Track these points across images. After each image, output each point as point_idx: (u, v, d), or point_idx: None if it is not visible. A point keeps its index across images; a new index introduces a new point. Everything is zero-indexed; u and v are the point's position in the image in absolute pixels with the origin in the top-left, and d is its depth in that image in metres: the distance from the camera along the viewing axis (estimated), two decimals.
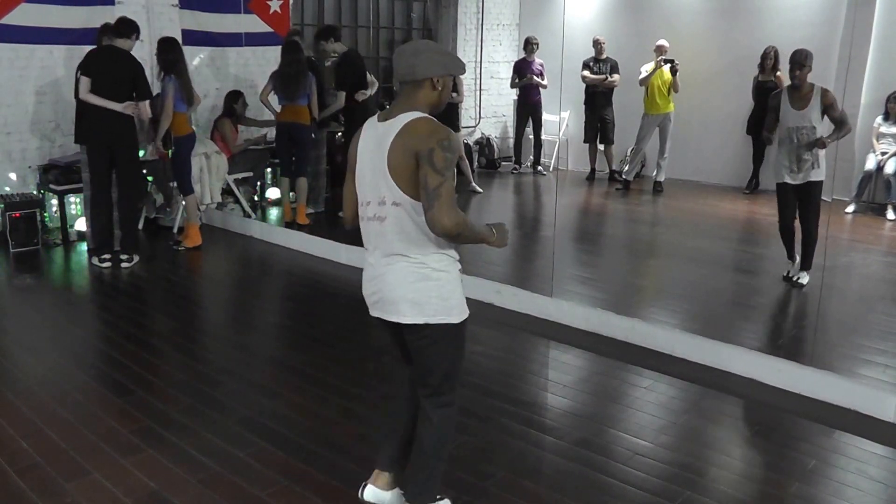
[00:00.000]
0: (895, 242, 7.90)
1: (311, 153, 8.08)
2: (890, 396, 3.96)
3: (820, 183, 5.88)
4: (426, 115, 2.68)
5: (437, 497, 2.95)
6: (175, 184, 7.39)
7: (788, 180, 5.94)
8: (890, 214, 8.47)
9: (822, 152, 5.80)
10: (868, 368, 4.60)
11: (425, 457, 2.88)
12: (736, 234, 8.37)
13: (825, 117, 5.74)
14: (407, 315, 2.74)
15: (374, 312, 2.89)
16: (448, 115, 9.49)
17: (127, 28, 6.35)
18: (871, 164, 8.73)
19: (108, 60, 6.21)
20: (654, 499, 3.22)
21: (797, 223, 6.07)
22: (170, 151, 6.96)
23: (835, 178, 7.02)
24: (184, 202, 7.22)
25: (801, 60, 5.72)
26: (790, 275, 6.16)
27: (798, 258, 6.10)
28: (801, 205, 5.97)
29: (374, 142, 2.69)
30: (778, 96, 5.98)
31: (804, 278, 6.00)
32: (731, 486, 3.33)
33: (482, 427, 3.82)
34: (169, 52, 6.65)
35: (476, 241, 2.81)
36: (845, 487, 3.36)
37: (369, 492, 3.05)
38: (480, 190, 9.70)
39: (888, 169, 8.61)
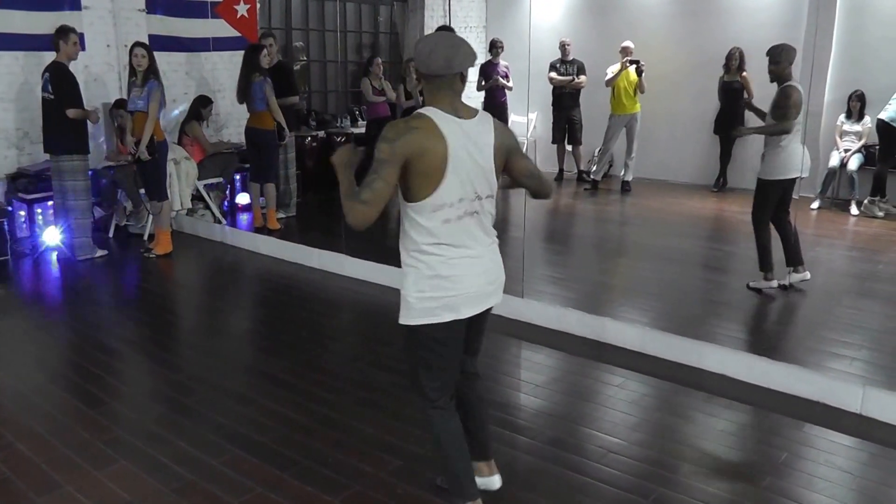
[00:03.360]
0: (859, 237, 8.03)
1: (276, 158, 8.06)
2: (856, 388, 4.04)
3: (758, 181, 5.81)
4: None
5: None
6: (143, 190, 7.34)
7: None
8: (854, 210, 8.64)
9: (769, 152, 5.71)
10: (835, 361, 4.68)
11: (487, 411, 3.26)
12: (704, 231, 8.48)
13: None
14: (501, 291, 2.95)
15: (476, 308, 2.84)
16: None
17: (55, 37, 6.56)
18: (834, 161, 8.88)
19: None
20: (627, 496, 3.25)
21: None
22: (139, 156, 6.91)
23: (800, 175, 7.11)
24: (151, 209, 7.19)
25: (773, 56, 5.64)
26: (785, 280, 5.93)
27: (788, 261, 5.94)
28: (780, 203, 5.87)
29: (469, 140, 2.69)
30: None
31: (755, 282, 5.89)
32: (704, 482, 3.37)
33: None
34: (152, 56, 6.66)
35: None
36: (816, 479, 3.42)
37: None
38: None
39: (851, 165, 8.77)
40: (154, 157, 6.73)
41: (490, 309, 2.93)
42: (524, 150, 2.98)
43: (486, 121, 2.77)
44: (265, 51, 7.74)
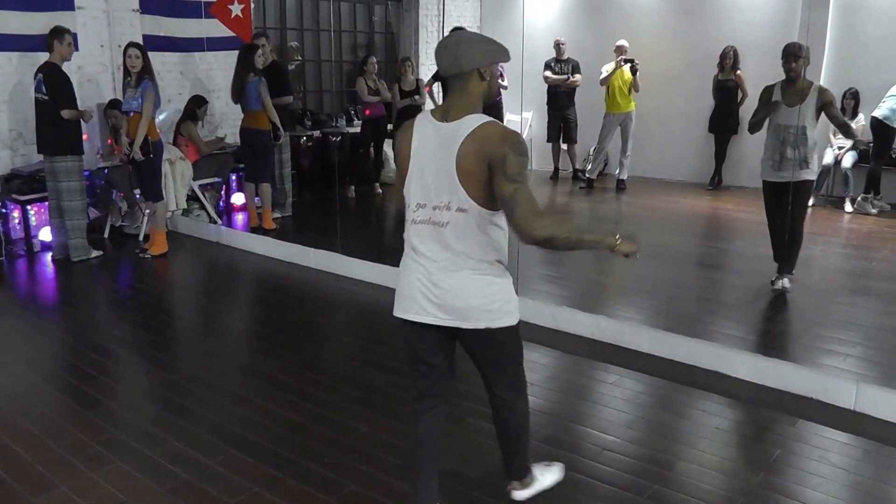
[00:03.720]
0: (853, 234, 8.05)
1: (272, 158, 8.06)
2: (850, 384, 4.06)
3: (807, 182, 5.64)
4: (493, 119, 2.58)
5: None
6: (138, 191, 7.35)
7: (769, 178, 5.72)
8: (848, 207, 8.67)
9: (814, 152, 5.58)
10: (829, 358, 4.69)
11: (521, 440, 3.04)
12: (699, 229, 8.50)
13: (820, 117, 5.49)
14: (474, 321, 2.65)
15: (411, 315, 2.70)
16: (412, 116, 9.52)
17: (49, 38, 6.52)
18: (828, 158, 8.91)
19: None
20: (622, 493, 3.26)
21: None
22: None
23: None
24: (147, 210, 7.19)
25: (795, 52, 5.44)
26: (773, 280, 5.86)
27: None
28: (785, 205, 5.66)
29: (437, 143, 2.56)
30: (770, 90, 5.65)
31: (785, 282, 5.74)
32: (698, 479, 3.39)
33: (452, 428, 3.83)
34: (147, 55, 6.66)
35: (579, 245, 2.59)
36: (809, 475, 3.44)
37: None
38: None
39: (845, 163, 8.81)
40: (149, 158, 6.72)
41: (482, 336, 2.69)
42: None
43: (467, 124, 2.53)
44: (259, 51, 7.75)
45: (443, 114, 2.60)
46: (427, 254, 2.64)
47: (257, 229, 7.87)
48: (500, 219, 2.61)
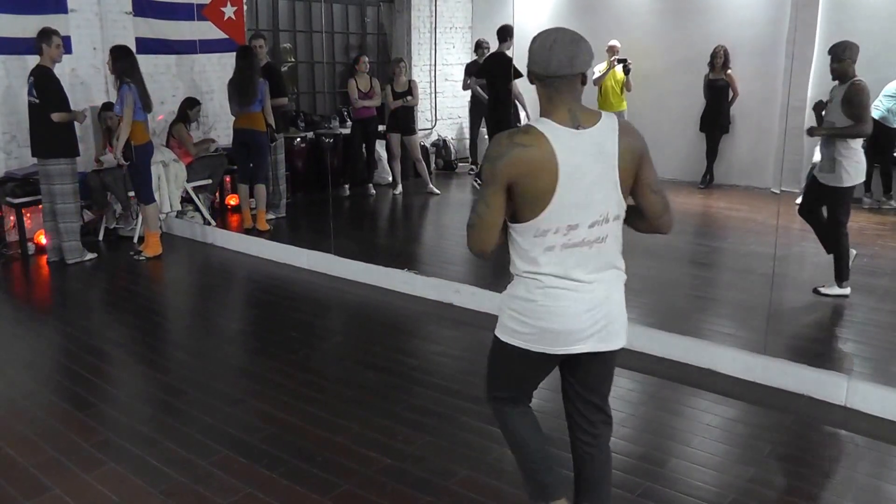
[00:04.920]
0: None
1: (268, 159, 8.07)
2: (841, 381, 4.08)
3: (841, 189, 5.65)
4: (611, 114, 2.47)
5: None
6: (132, 193, 7.34)
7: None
8: None
9: (849, 156, 5.59)
10: (820, 354, 4.72)
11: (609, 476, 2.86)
12: (691, 228, 8.51)
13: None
14: (623, 337, 2.56)
15: (581, 347, 2.48)
16: (403, 117, 9.56)
17: (38, 41, 6.51)
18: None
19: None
20: (614, 491, 3.24)
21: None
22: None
23: (782, 169, 7.21)
24: (139, 212, 7.19)
25: (836, 53, 5.58)
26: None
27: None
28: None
29: (587, 154, 2.34)
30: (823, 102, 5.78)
31: (827, 288, 5.71)
32: (690, 475, 3.40)
33: (444, 426, 3.86)
34: (124, 59, 6.62)
35: None
36: (801, 471, 3.46)
37: None
38: (438, 192, 9.74)
39: None
40: (134, 161, 6.71)
41: (603, 355, 2.55)
42: None
43: (609, 125, 2.38)
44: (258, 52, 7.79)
45: (572, 121, 2.36)
46: (588, 279, 2.43)
47: (251, 230, 7.87)
48: None
